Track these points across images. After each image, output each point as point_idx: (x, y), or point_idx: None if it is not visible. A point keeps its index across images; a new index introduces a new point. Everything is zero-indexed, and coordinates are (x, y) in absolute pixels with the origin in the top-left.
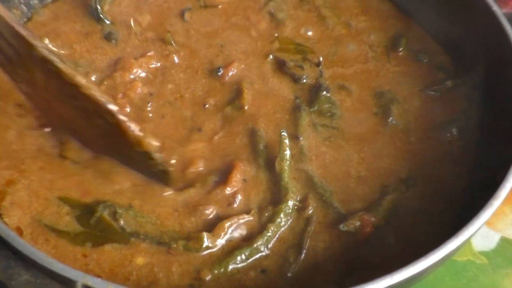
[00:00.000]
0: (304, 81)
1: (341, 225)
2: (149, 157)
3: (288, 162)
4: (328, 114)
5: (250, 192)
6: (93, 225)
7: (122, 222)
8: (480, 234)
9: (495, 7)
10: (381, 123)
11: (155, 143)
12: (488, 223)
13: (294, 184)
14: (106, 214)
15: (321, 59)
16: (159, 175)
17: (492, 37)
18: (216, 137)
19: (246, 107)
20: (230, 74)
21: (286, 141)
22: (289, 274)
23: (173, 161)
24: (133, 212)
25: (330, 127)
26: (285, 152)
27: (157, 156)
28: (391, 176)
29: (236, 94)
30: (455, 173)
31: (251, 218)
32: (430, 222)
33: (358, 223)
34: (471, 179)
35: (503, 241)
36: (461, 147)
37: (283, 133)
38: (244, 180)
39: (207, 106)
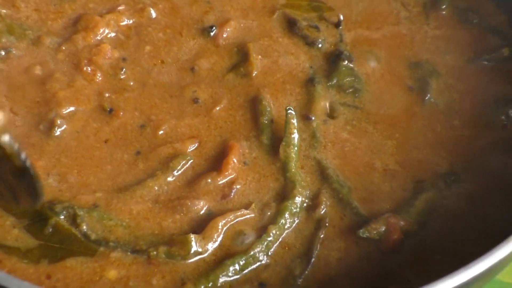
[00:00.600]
0: (320, 45)
1: (361, 230)
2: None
3: (295, 148)
4: (351, 89)
5: (250, 181)
6: (49, 236)
7: (84, 228)
8: None
9: None
10: (418, 102)
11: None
12: None
13: (303, 176)
14: (63, 219)
15: (341, 17)
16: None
17: None
18: (216, 109)
19: (254, 74)
20: (225, 35)
21: (294, 121)
22: None
23: (160, 132)
24: (98, 214)
25: (353, 107)
26: (292, 136)
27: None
28: (428, 169)
29: (239, 59)
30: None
31: (252, 215)
32: (478, 228)
33: (383, 228)
34: None
35: None
36: None
37: (289, 111)
38: (245, 163)
39: (195, 68)
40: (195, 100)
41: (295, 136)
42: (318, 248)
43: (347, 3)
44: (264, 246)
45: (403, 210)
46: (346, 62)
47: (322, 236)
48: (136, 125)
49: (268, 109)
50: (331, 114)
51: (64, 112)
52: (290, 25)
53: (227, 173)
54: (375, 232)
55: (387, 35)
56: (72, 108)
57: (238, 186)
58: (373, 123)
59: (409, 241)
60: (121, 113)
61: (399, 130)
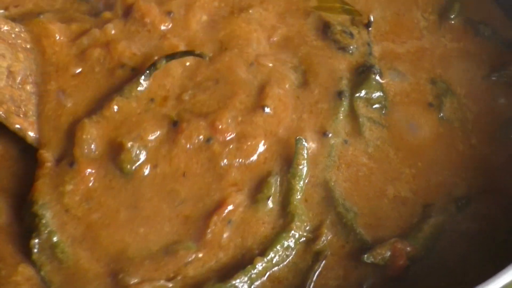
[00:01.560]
0: (351, 52)
1: (366, 255)
2: None
3: (301, 181)
4: (378, 105)
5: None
6: None
7: None
8: None
9: None
10: (440, 122)
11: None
12: None
13: (305, 211)
14: None
15: (371, 18)
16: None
17: None
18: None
19: None
20: None
21: (304, 152)
22: None
23: None
24: None
25: (379, 124)
26: (300, 167)
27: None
28: (442, 192)
29: None
30: None
31: None
32: (485, 251)
33: (388, 253)
34: None
35: None
36: None
37: (299, 142)
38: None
39: None
40: None
41: (304, 168)
42: (314, 278)
43: (374, 8)
44: (247, 278)
45: (410, 236)
46: (377, 76)
47: (319, 268)
48: None
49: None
50: (357, 130)
51: None
52: (324, 28)
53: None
54: (380, 257)
55: (411, 50)
56: None
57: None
58: (396, 149)
59: (414, 267)
60: None
61: (422, 159)
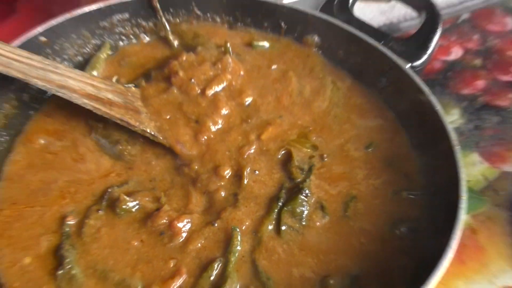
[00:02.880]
0: (296, 181)
1: None
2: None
3: (235, 256)
4: (299, 218)
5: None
6: None
7: None
8: None
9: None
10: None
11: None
12: None
13: (236, 275)
14: None
15: (325, 156)
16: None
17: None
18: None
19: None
20: None
21: (238, 238)
22: None
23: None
24: None
25: (295, 231)
26: (235, 247)
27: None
28: (337, 272)
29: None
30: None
31: None
32: None
33: None
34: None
35: None
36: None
37: (234, 230)
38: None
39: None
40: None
41: (237, 248)
42: None
43: (330, 155)
44: None
45: None
46: (305, 198)
47: None
48: None
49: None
50: (278, 231)
51: None
52: (286, 161)
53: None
54: None
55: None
56: None
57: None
58: (305, 249)
59: None
60: None
61: (324, 256)
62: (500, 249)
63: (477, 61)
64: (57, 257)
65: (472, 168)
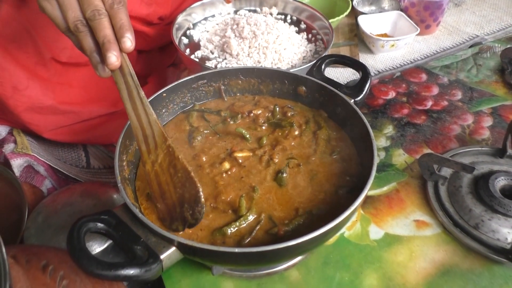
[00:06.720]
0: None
1: None
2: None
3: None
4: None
5: None
6: None
7: None
8: (374, 230)
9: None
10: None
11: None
12: (378, 224)
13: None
14: None
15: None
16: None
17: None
18: None
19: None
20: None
21: None
22: None
23: None
24: None
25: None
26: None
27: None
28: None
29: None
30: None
31: None
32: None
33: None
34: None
35: (385, 234)
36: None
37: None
38: None
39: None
40: None
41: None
42: None
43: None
44: None
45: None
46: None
47: None
48: None
49: None
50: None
51: None
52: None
53: None
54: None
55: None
56: None
57: None
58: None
59: None
60: None
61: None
62: (413, 200)
63: (404, 98)
64: None
65: (398, 158)
